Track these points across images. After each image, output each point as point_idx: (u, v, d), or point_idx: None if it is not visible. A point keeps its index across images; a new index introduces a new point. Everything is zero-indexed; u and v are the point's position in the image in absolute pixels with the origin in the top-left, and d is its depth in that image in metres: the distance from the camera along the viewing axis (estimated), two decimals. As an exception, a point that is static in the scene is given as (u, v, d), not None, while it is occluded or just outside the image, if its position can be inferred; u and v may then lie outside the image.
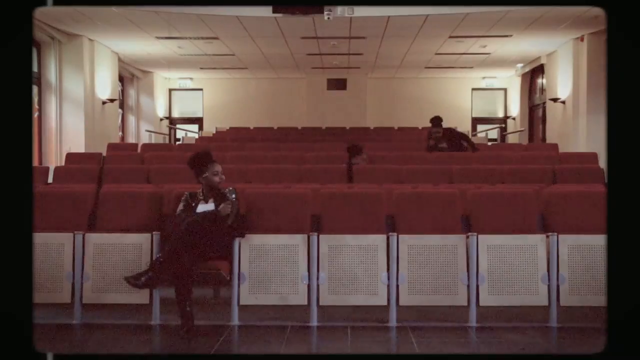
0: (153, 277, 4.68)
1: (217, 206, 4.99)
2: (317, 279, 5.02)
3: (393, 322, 4.96)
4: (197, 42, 14.19)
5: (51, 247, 5.12)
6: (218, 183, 5.16)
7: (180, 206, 5.12)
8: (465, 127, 19.13)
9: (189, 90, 20.32)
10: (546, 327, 4.93)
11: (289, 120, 18.29)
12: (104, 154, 10.57)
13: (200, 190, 5.16)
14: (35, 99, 12.83)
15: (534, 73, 17.69)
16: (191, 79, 20.02)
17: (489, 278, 4.99)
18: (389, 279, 5.01)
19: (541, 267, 5.00)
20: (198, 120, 20.31)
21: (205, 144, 12.43)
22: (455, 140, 10.25)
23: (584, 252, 5.01)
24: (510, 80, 19.32)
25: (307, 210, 5.70)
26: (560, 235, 5.04)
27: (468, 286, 5.00)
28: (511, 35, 13.41)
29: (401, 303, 5.01)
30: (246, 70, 18.36)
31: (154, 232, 5.12)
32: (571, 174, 7.85)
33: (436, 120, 10.34)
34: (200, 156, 5.22)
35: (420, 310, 5.16)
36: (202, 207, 5.02)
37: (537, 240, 5.07)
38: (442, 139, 10.20)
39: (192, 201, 5.11)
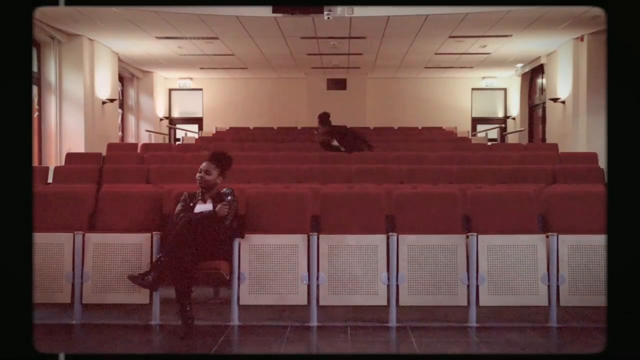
0: (156, 277, 4.67)
1: (215, 207, 4.98)
2: (317, 279, 5.02)
3: (393, 322, 4.96)
4: (197, 42, 14.20)
5: (51, 247, 5.11)
6: (197, 180, 5.10)
7: (179, 206, 5.11)
8: (465, 127, 19.15)
9: (189, 90, 20.32)
10: (546, 327, 4.93)
11: (289, 120, 18.28)
12: (104, 154, 10.57)
13: (199, 190, 5.15)
14: (35, 99, 12.82)
15: (534, 73, 17.69)
16: (191, 79, 20.02)
17: (489, 278, 4.99)
18: (388, 279, 5.01)
19: (541, 267, 5.00)
20: (198, 120, 20.30)
21: (205, 145, 12.43)
22: (348, 138, 10.18)
23: (584, 252, 5.01)
24: (510, 80, 19.32)
25: (307, 210, 5.70)
26: (560, 235, 5.03)
27: (468, 286, 5.00)
28: (511, 35, 13.41)
29: (401, 303, 5.01)
30: (246, 70, 18.36)
31: (154, 232, 5.12)
32: (571, 174, 7.85)
33: (322, 118, 10.28)
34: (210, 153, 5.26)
35: (420, 310, 5.16)
36: (200, 207, 5.01)
37: (537, 240, 5.07)
38: (332, 136, 10.15)
39: (191, 201, 5.10)
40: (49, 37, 12.70)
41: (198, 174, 5.09)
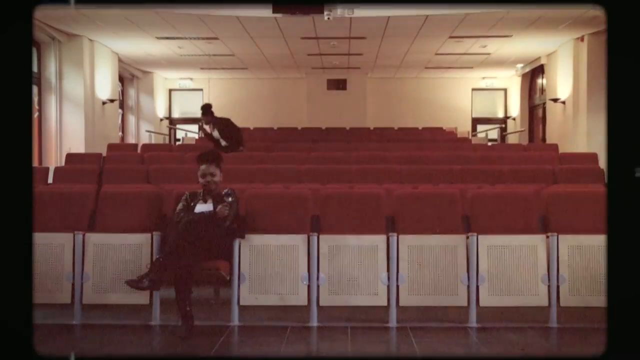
0: (155, 278, 4.66)
1: (215, 207, 4.97)
2: (317, 279, 5.02)
3: (393, 323, 4.96)
4: (198, 42, 14.19)
5: (51, 247, 5.11)
6: (203, 185, 5.09)
7: (180, 205, 5.11)
8: (465, 127, 19.15)
9: (189, 90, 20.32)
10: (546, 327, 4.93)
11: (289, 121, 18.28)
12: (104, 154, 10.57)
13: (201, 190, 5.15)
14: (35, 99, 12.82)
15: (534, 73, 17.69)
16: (191, 79, 20.02)
17: (489, 278, 4.99)
18: (389, 279, 5.01)
19: (541, 268, 5.00)
20: (198, 121, 20.28)
21: (205, 144, 12.43)
22: (230, 131, 10.25)
23: (584, 252, 5.01)
24: (510, 81, 19.32)
25: (307, 211, 5.69)
26: (560, 236, 5.03)
27: (468, 286, 4.99)
28: (511, 36, 13.41)
29: (401, 303, 5.01)
30: (246, 71, 18.36)
31: (154, 232, 5.11)
32: (571, 174, 7.86)
33: (204, 108, 10.34)
34: (199, 155, 5.22)
35: (420, 311, 5.16)
36: (200, 207, 5.01)
37: (537, 241, 5.06)
38: (215, 127, 10.20)
39: (192, 201, 5.10)
40: (49, 37, 12.70)
41: (203, 179, 5.07)
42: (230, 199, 5.05)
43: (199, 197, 5.11)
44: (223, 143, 10.08)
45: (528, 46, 14.57)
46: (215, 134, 10.18)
